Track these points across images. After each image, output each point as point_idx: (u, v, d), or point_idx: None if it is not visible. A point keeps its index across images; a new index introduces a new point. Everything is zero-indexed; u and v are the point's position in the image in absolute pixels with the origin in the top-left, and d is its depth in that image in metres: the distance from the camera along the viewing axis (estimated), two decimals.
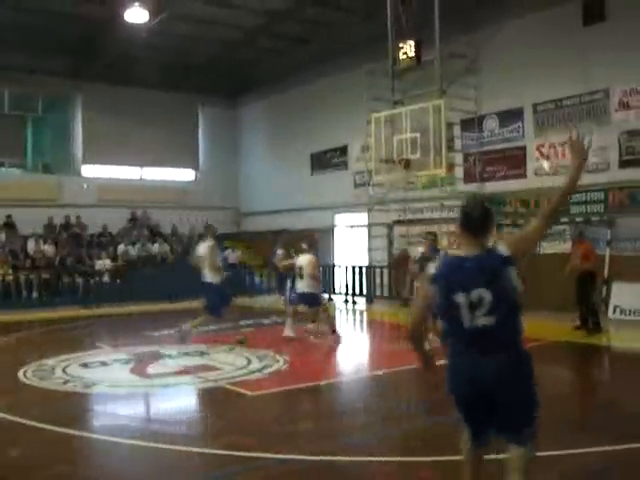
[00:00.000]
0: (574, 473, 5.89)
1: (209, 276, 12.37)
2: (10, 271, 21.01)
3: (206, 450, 6.55)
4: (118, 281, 22.31)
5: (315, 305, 13.19)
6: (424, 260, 10.50)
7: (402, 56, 17.82)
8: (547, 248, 17.36)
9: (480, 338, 4.13)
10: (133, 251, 24.35)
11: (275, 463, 6.14)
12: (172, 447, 6.66)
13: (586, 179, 16.73)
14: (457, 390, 4.34)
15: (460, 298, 4.10)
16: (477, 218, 4.27)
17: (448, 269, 4.25)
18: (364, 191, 21.95)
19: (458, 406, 4.38)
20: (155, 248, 24.87)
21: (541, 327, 14.06)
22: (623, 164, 16.36)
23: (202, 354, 11.79)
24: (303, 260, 13.01)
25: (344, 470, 6.09)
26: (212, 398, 8.98)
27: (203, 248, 12.65)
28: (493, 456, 4.65)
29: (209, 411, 8.56)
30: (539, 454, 6.08)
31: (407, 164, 16.70)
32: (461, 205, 4.49)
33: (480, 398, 4.22)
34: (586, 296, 13.53)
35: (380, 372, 10.53)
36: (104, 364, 11.10)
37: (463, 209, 4.38)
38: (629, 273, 15.50)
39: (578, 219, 16.91)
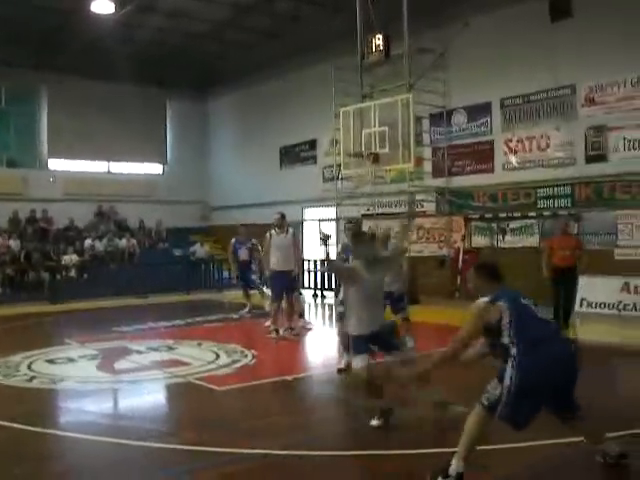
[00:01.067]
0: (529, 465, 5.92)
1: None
2: None
3: (174, 446, 6.49)
4: (85, 276, 22.10)
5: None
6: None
7: (371, 50, 17.83)
8: (515, 242, 17.53)
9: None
10: (100, 246, 24.11)
11: (243, 458, 6.13)
12: (139, 443, 6.60)
13: (553, 174, 16.99)
14: (543, 376, 5.20)
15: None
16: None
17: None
18: (333, 185, 21.92)
19: (537, 394, 5.23)
20: (122, 243, 24.65)
21: None
22: (589, 159, 16.51)
23: (170, 349, 11.73)
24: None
25: (310, 464, 6.07)
26: (180, 393, 8.94)
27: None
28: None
29: (177, 406, 8.51)
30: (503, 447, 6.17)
31: (376, 158, 16.71)
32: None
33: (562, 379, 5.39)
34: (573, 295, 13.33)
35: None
36: (71, 360, 10.99)
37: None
38: (595, 266, 15.62)
39: (545, 213, 17.07)
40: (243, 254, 16.58)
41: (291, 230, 13.41)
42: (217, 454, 6.21)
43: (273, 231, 13.14)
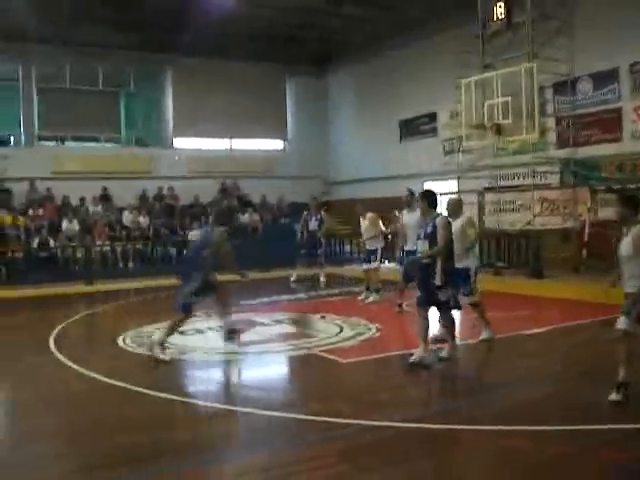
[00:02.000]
0: None
1: None
2: (107, 242, 21.66)
3: (300, 416, 6.64)
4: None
5: None
6: None
7: (493, 19, 17.43)
8: None
9: None
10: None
11: (368, 429, 6.21)
12: (266, 413, 6.79)
13: None
14: None
15: None
16: None
17: None
18: (453, 158, 21.66)
19: None
20: (245, 218, 25.16)
21: None
22: None
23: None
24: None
25: (435, 437, 6.10)
26: (305, 365, 9.09)
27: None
28: None
29: (302, 378, 8.68)
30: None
31: (498, 129, 16.40)
32: None
33: None
34: None
35: (470, 341, 10.42)
36: (199, 331, 11.37)
37: None
38: None
39: None
40: (312, 225, 17.91)
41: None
42: (342, 425, 6.32)
43: (405, 210, 12.90)
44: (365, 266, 15.15)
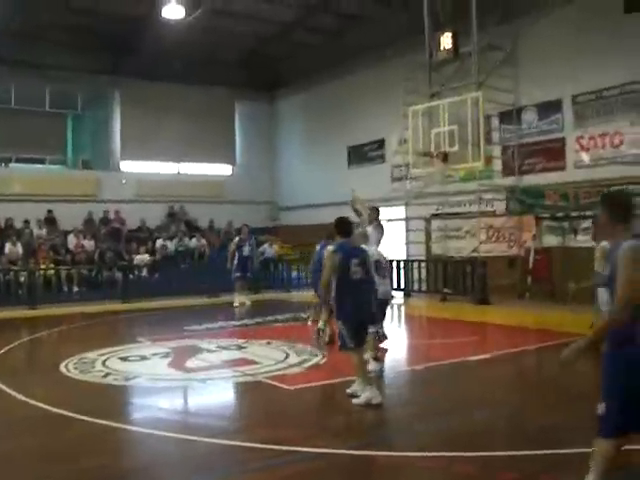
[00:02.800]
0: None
1: None
2: (52, 266, 21.27)
3: (244, 443, 6.56)
4: (156, 275, 22.48)
5: None
6: None
7: (440, 48, 17.70)
8: (588, 242, 17.11)
9: None
10: (171, 246, 24.51)
11: (313, 457, 6.15)
12: (210, 440, 6.68)
13: (628, 171, 16.58)
14: None
15: None
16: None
17: None
18: (402, 185, 21.85)
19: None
20: (193, 243, 24.99)
21: (580, 321, 13.92)
22: None
23: (240, 348, 11.84)
24: None
25: (381, 465, 6.07)
26: (250, 392, 9.00)
27: None
28: None
29: (247, 405, 8.58)
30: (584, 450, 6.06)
31: (445, 157, 16.59)
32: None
33: None
34: None
35: (419, 367, 10.46)
36: (143, 358, 11.19)
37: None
38: None
39: None
40: (246, 250, 19.16)
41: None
42: (288, 452, 6.24)
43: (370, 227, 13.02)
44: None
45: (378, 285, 9.32)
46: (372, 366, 9.42)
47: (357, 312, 8.06)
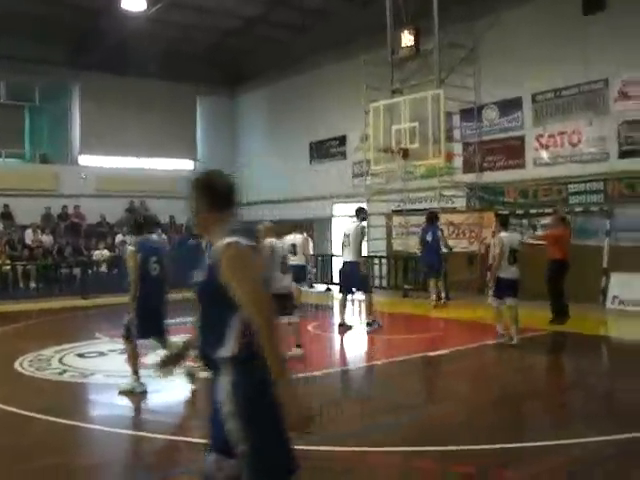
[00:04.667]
0: (573, 462, 5.87)
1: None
2: (8, 261, 20.94)
3: (202, 440, 6.49)
4: (116, 271, 22.25)
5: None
6: None
7: (401, 45, 17.77)
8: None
9: None
10: (131, 241, 24.25)
11: None
12: (167, 437, 6.64)
13: (585, 169, 16.79)
14: None
15: None
16: None
17: None
18: (363, 181, 21.90)
19: None
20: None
21: (539, 317, 14.10)
22: (622, 154, 16.30)
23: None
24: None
25: (342, 460, 6.07)
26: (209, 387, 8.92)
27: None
28: None
29: (207, 401, 8.50)
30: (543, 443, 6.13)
31: (406, 153, 16.66)
32: None
33: None
34: (552, 286, 13.34)
35: (379, 362, 10.49)
36: (101, 354, 11.08)
37: None
38: (628, 264, 15.48)
39: (577, 209, 16.87)
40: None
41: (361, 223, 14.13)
42: None
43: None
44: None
45: (280, 280, 9.81)
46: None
47: (146, 304, 8.50)
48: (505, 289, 11.31)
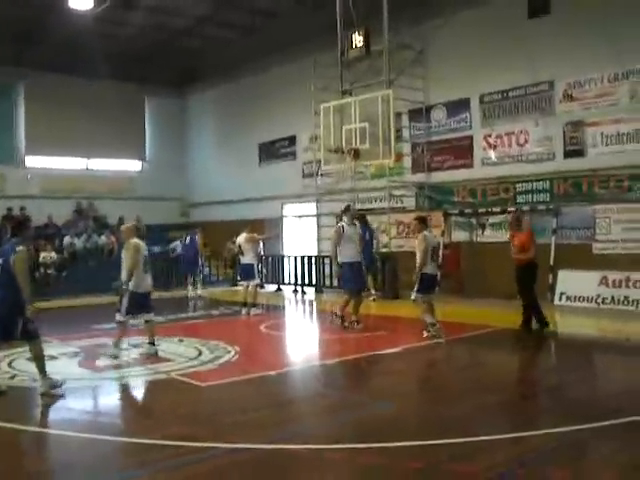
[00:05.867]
0: (525, 454, 5.99)
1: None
2: None
3: (157, 441, 6.48)
4: (64, 273, 21.95)
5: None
6: None
7: (352, 46, 17.85)
8: (495, 237, 17.61)
9: None
10: (79, 243, 23.98)
11: (226, 452, 6.14)
12: (122, 439, 6.60)
13: (532, 169, 17.11)
14: None
15: None
16: None
17: None
18: (313, 181, 21.98)
19: None
20: (102, 239, 24.52)
21: (487, 314, 14.31)
22: (567, 154, 16.67)
23: (153, 345, 11.66)
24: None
25: (294, 458, 6.10)
26: (163, 389, 8.89)
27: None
28: None
29: (160, 402, 8.46)
30: (491, 438, 6.25)
31: (356, 154, 16.72)
32: None
33: None
34: (526, 291, 12.60)
35: (329, 361, 10.55)
36: (52, 358, 10.86)
37: None
38: (574, 261, 15.83)
39: (524, 208, 17.16)
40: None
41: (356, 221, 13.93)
42: (201, 449, 6.22)
43: (344, 223, 13.43)
44: (245, 283, 16.17)
45: (143, 279, 10.72)
46: (145, 349, 10.85)
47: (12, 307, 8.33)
48: (428, 284, 11.91)
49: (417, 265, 11.81)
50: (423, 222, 12.51)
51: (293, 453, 6.16)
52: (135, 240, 10.88)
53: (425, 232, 12.11)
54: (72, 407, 8.08)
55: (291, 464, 5.99)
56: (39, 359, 8.43)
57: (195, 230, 21.26)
